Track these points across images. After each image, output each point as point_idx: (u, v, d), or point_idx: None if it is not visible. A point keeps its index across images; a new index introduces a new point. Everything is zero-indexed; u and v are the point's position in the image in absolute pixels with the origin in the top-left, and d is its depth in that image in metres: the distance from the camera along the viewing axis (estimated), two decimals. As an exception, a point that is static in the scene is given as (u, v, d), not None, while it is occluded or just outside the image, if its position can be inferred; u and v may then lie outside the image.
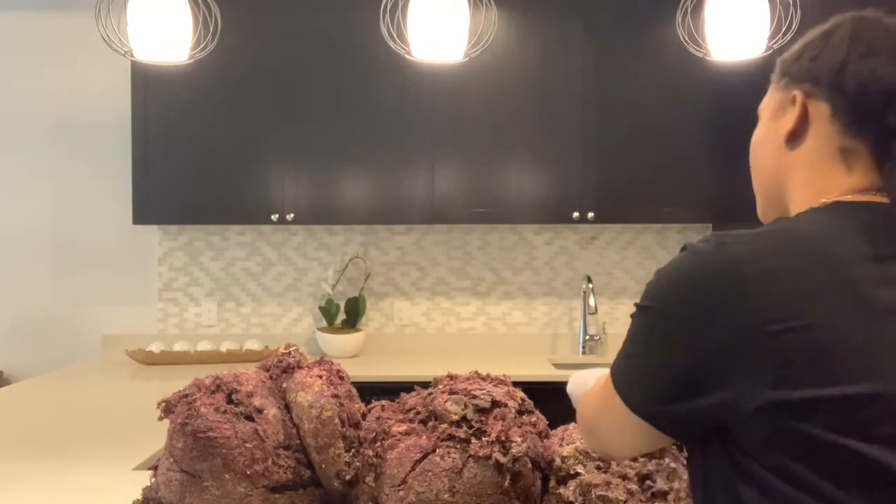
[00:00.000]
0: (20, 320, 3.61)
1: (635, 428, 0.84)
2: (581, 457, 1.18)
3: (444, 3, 2.34)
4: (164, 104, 3.28)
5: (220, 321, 3.64)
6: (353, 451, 1.18)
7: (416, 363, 3.37)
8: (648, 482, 1.14)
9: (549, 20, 3.30)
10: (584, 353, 3.58)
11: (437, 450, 1.11)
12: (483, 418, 1.13)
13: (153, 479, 1.21)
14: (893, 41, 0.86)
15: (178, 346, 3.35)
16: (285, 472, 1.15)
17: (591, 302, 3.44)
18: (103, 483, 1.65)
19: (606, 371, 0.91)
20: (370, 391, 2.11)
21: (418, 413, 1.19)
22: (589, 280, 3.49)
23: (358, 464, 1.16)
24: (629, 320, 0.87)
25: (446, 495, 1.08)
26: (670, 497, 1.11)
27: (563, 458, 1.18)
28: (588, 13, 3.29)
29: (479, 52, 2.51)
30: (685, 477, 1.14)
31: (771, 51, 2.40)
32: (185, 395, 1.17)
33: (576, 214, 3.30)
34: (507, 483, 1.10)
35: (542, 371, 3.17)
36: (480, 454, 1.10)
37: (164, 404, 1.19)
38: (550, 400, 1.55)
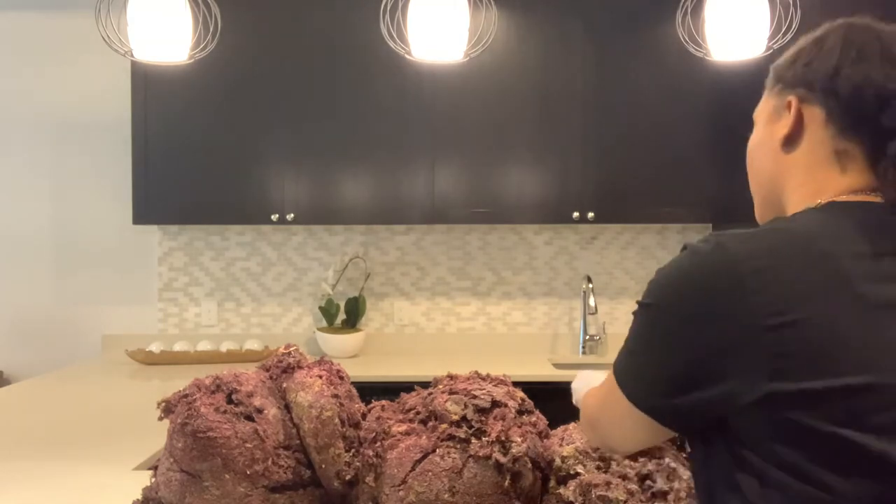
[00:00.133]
0: (20, 320, 3.61)
1: (637, 422, 0.87)
2: (581, 457, 1.18)
3: (444, 3, 2.34)
4: (164, 104, 3.28)
5: (220, 321, 3.64)
6: (353, 451, 1.18)
7: (416, 363, 3.37)
8: (648, 482, 1.14)
9: (549, 20, 3.30)
10: (584, 353, 3.58)
11: (437, 450, 1.11)
12: (483, 418, 1.13)
13: (153, 479, 1.21)
14: (884, 46, 0.89)
15: (178, 346, 3.35)
16: (285, 472, 1.15)
17: (591, 302, 3.44)
18: (103, 483, 1.65)
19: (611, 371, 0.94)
20: (370, 391, 2.10)
21: (418, 413, 1.19)
22: (589, 280, 3.49)
23: (358, 464, 1.16)
24: (629, 320, 0.89)
25: (446, 495, 1.08)
26: (670, 497, 1.11)
27: (563, 458, 1.18)
28: (588, 13, 3.29)
29: (479, 52, 2.51)
30: (685, 477, 1.14)
31: (771, 51, 2.40)
32: (185, 395, 1.17)
33: (576, 214, 3.30)
34: (507, 483, 1.10)
35: (542, 371, 3.17)
36: (480, 454, 1.10)
37: (164, 404, 1.19)
38: (550, 400, 1.55)
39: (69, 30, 3.57)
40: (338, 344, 3.44)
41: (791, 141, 0.93)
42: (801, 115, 0.92)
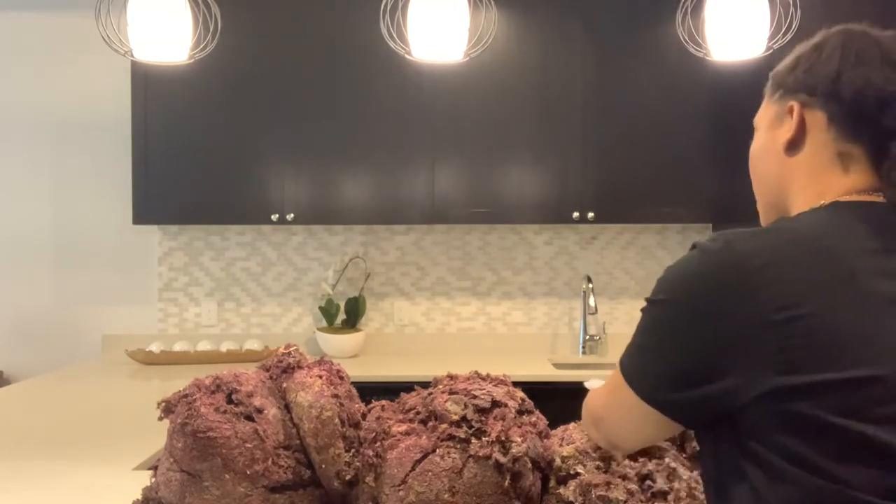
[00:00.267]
0: (20, 320, 3.61)
1: (644, 417, 0.89)
2: (581, 457, 1.18)
3: (444, 3, 2.34)
4: (164, 104, 3.28)
5: (220, 321, 3.64)
6: (353, 451, 1.18)
7: (416, 363, 3.37)
8: (648, 482, 1.14)
9: (549, 20, 3.30)
10: (584, 353, 3.57)
11: (437, 450, 1.11)
12: (483, 418, 1.13)
13: (153, 479, 1.21)
14: (882, 50, 0.91)
15: (178, 346, 3.35)
16: (285, 472, 1.15)
17: (591, 302, 3.44)
18: (103, 483, 1.65)
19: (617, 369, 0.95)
20: (370, 391, 2.10)
21: (418, 413, 1.19)
22: (589, 280, 3.49)
23: (358, 464, 1.16)
24: (629, 320, 0.90)
25: (446, 495, 1.09)
26: (670, 497, 1.12)
27: (563, 458, 1.18)
28: (588, 13, 3.29)
29: (479, 52, 2.51)
30: (685, 477, 1.14)
31: (771, 51, 2.39)
32: (185, 395, 1.17)
33: (576, 214, 3.30)
34: (507, 483, 1.10)
35: (542, 371, 3.17)
36: (480, 454, 1.10)
37: (164, 404, 1.19)
38: (550, 400, 1.55)
39: (69, 30, 3.57)
40: (338, 344, 3.44)
41: (794, 145, 0.95)
42: (804, 120, 0.94)
